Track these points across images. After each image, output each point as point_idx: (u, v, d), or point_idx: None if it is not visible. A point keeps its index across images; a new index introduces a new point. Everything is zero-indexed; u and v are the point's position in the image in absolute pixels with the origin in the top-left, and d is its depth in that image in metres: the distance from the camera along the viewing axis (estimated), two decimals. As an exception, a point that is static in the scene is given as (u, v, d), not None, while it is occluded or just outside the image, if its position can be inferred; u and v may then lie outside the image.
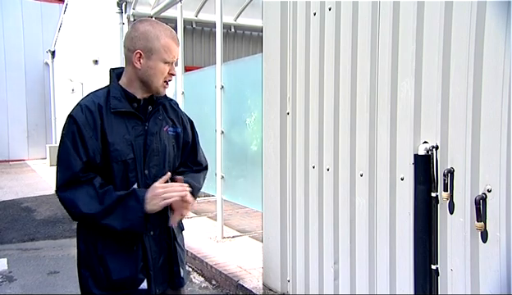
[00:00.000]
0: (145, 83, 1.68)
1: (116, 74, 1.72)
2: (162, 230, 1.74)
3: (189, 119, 1.94)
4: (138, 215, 1.57)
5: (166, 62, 1.64)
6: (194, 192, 1.79)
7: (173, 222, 1.73)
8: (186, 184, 1.67)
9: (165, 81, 1.68)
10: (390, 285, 2.44)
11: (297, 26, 3.09)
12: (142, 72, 1.65)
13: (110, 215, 1.57)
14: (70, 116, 1.64)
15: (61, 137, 1.64)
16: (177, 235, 1.82)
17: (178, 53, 1.69)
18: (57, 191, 1.62)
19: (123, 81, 1.70)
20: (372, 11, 2.47)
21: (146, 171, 1.68)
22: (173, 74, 1.69)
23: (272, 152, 3.36)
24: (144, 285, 1.68)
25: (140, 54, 1.63)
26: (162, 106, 1.79)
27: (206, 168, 1.99)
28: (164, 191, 1.59)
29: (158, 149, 1.71)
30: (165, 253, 1.76)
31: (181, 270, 1.81)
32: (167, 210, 1.70)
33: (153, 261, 1.70)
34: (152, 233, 1.70)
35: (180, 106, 1.94)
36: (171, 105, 1.85)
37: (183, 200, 1.64)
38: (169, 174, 1.68)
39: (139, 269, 1.67)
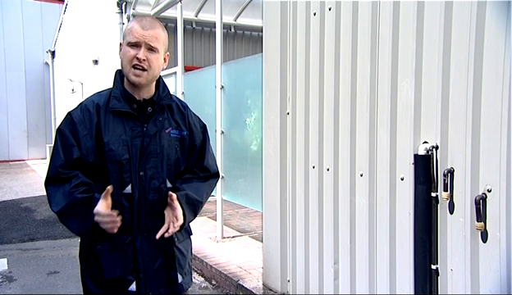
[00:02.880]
0: (125, 75, 1.67)
1: (120, 75, 1.72)
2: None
3: (201, 122, 1.89)
4: (88, 225, 1.57)
5: (130, 45, 1.61)
6: (195, 208, 1.76)
7: (158, 234, 1.64)
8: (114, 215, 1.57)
9: (133, 66, 1.61)
10: (390, 285, 2.44)
11: (297, 26, 3.09)
12: (121, 63, 1.67)
13: (69, 217, 1.60)
14: (68, 114, 1.68)
15: (55, 133, 1.69)
16: (180, 240, 1.78)
17: (145, 36, 1.59)
18: (44, 184, 1.68)
19: (125, 82, 1.71)
20: (372, 11, 2.47)
21: (141, 173, 1.67)
22: (139, 59, 1.59)
23: (271, 152, 3.36)
24: (133, 287, 1.67)
25: (120, 45, 1.68)
26: (168, 108, 1.76)
27: (215, 175, 1.90)
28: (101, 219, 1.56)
29: (156, 151, 1.69)
30: (163, 257, 1.73)
31: (179, 276, 1.77)
32: (163, 214, 1.68)
33: (145, 264, 1.68)
34: (145, 234, 1.68)
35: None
36: (179, 106, 1.81)
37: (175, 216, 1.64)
38: (109, 188, 1.59)
39: (129, 270, 1.66)
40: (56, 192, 1.61)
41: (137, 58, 1.60)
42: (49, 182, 1.64)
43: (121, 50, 1.67)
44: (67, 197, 1.58)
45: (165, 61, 1.72)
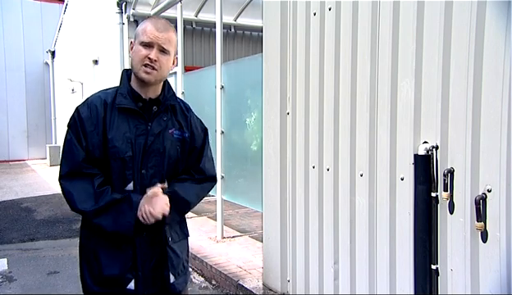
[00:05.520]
0: (134, 73, 1.69)
1: (127, 74, 1.75)
2: (156, 233, 1.71)
3: (202, 126, 1.90)
4: (128, 221, 1.60)
5: (143, 45, 1.63)
6: (180, 206, 1.75)
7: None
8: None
9: (143, 65, 1.63)
10: (390, 285, 2.44)
11: (297, 26, 3.09)
12: (131, 61, 1.68)
13: (102, 216, 1.61)
14: (76, 110, 1.70)
15: (67, 129, 1.70)
16: (175, 240, 1.78)
17: (159, 38, 1.62)
18: (59, 179, 1.67)
19: (132, 81, 1.73)
20: (372, 11, 2.47)
21: (143, 171, 1.68)
22: (151, 59, 1.61)
23: (271, 152, 3.36)
24: (132, 285, 1.68)
25: (131, 44, 1.70)
26: (172, 108, 1.78)
27: (211, 179, 1.90)
28: (154, 207, 1.59)
29: (159, 150, 1.70)
30: (157, 257, 1.74)
31: (171, 276, 1.76)
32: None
33: (143, 263, 1.69)
34: (144, 234, 1.69)
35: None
36: (182, 108, 1.83)
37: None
38: (159, 185, 1.64)
39: (128, 268, 1.67)
40: (78, 190, 1.61)
41: (149, 58, 1.62)
42: (67, 177, 1.64)
43: (131, 48, 1.69)
44: (97, 197, 1.60)
45: (173, 64, 1.75)
